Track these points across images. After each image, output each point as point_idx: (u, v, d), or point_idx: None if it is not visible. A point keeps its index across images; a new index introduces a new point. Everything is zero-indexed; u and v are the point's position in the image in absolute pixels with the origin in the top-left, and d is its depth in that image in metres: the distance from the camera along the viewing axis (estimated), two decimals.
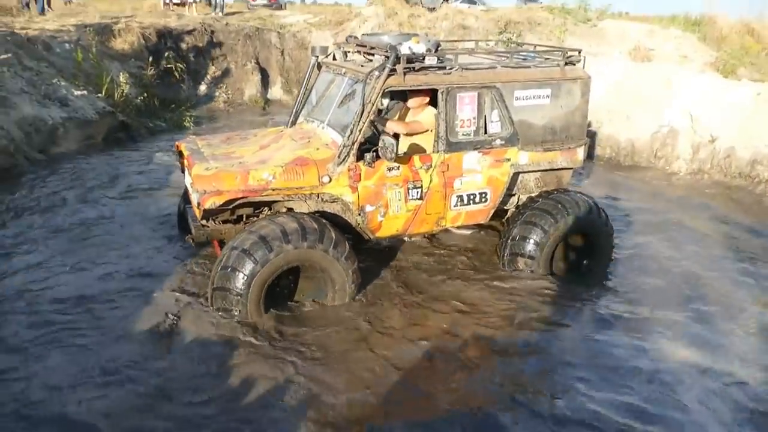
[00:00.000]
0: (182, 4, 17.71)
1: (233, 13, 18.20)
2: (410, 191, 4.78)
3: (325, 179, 4.50)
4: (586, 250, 5.53)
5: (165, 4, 17.85)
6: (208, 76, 14.14)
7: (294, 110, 5.56)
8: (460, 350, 4.24)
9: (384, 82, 4.48)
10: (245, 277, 4.19)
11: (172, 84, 13.09)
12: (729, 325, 4.87)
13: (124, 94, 10.72)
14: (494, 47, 6.26)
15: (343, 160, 4.51)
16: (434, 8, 17.82)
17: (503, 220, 5.59)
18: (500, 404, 3.68)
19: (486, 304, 4.86)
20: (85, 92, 9.69)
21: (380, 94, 4.55)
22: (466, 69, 4.88)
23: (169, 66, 13.03)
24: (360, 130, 4.50)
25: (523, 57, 5.45)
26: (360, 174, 4.59)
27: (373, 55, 4.99)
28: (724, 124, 9.21)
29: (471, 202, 5.07)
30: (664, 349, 4.45)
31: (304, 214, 4.54)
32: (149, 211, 6.59)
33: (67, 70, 10.26)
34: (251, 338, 4.17)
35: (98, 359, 3.91)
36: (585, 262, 5.56)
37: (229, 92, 13.96)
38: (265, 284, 4.30)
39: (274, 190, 4.43)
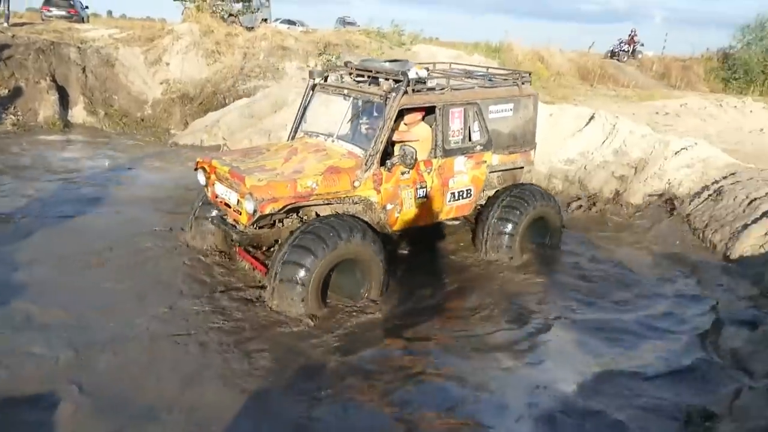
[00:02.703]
0: None
1: (23, 24, 15.72)
2: (418, 191, 5.68)
3: (357, 184, 5.22)
4: (544, 229, 6.59)
5: None
6: None
7: (293, 126, 6.26)
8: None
9: (400, 101, 5.25)
10: (308, 270, 4.70)
11: None
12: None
13: None
14: (465, 68, 7.38)
15: (369, 166, 5.24)
16: (252, 27, 17.49)
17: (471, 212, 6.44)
18: None
19: None
20: None
21: (396, 111, 5.26)
22: (455, 89, 5.86)
23: None
24: (382, 141, 5.26)
25: (489, 78, 6.57)
26: (381, 178, 5.35)
27: (375, 78, 5.74)
28: None
29: (460, 197, 6.07)
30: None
31: (348, 215, 5.17)
32: None
33: None
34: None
35: None
36: (546, 240, 6.63)
37: (19, 113, 12.26)
38: (322, 278, 4.83)
39: (317, 195, 5.05)
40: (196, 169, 5.67)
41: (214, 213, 5.78)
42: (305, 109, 6.23)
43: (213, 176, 5.45)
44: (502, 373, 4.39)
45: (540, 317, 5.29)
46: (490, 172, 6.24)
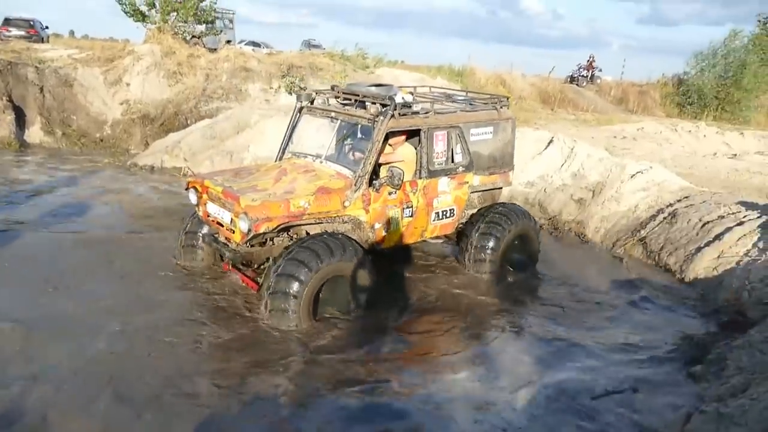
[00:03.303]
0: None
1: None
2: (404, 210, 5.88)
3: (347, 203, 5.41)
4: (524, 247, 6.78)
5: None
6: None
7: (281, 147, 6.38)
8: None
9: (387, 125, 5.44)
10: (301, 283, 4.87)
11: None
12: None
13: None
14: (445, 92, 7.59)
15: (359, 187, 5.44)
16: (215, 49, 17.41)
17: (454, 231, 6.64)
18: None
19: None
20: None
21: (384, 134, 5.48)
22: (438, 113, 6.02)
23: None
24: (371, 163, 5.47)
25: (470, 102, 6.77)
26: (370, 198, 5.54)
27: (362, 102, 5.87)
28: None
29: (444, 216, 6.27)
30: None
31: (338, 233, 5.33)
32: None
33: None
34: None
35: None
36: (525, 256, 6.81)
37: None
38: (314, 292, 4.99)
39: (309, 214, 5.23)
40: (187, 189, 5.75)
41: (205, 231, 5.98)
42: (293, 130, 6.40)
43: (205, 196, 5.57)
44: (454, 389, 4.42)
45: (499, 334, 5.40)
46: (471, 192, 6.49)
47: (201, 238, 6.05)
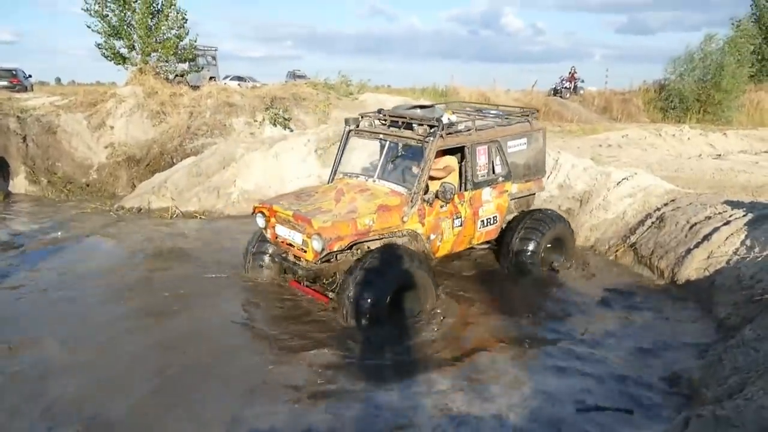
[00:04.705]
0: None
1: None
2: (455, 221, 6.36)
3: (405, 219, 5.90)
4: (559, 248, 7.28)
5: None
6: None
7: (333, 169, 6.90)
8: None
9: (437, 144, 5.94)
10: (382, 289, 5.38)
11: None
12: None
13: None
14: (479, 107, 8.47)
15: (415, 203, 5.93)
16: (199, 86, 17.51)
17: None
18: None
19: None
20: None
21: (435, 153, 5.97)
22: (479, 130, 6.52)
23: None
24: (424, 180, 5.95)
25: (505, 116, 7.32)
26: (425, 212, 6.03)
27: (409, 124, 6.35)
28: None
29: (489, 224, 6.81)
30: None
31: (402, 246, 5.81)
32: None
33: None
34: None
35: None
36: (561, 257, 7.31)
37: None
38: (389, 297, 5.45)
39: (374, 231, 5.71)
40: (253, 213, 6.30)
41: (270, 250, 6.53)
42: (342, 152, 6.91)
43: (273, 219, 6.06)
44: (440, 398, 4.45)
45: (492, 345, 5.43)
46: (510, 200, 7.02)
47: (267, 257, 6.59)
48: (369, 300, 5.34)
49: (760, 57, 31.59)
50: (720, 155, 16.00)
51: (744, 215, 6.94)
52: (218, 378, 4.75)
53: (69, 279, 7.04)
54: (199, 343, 5.37)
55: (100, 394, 4.51)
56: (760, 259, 6.02)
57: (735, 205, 7.39)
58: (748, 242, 6.41)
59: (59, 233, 9.22)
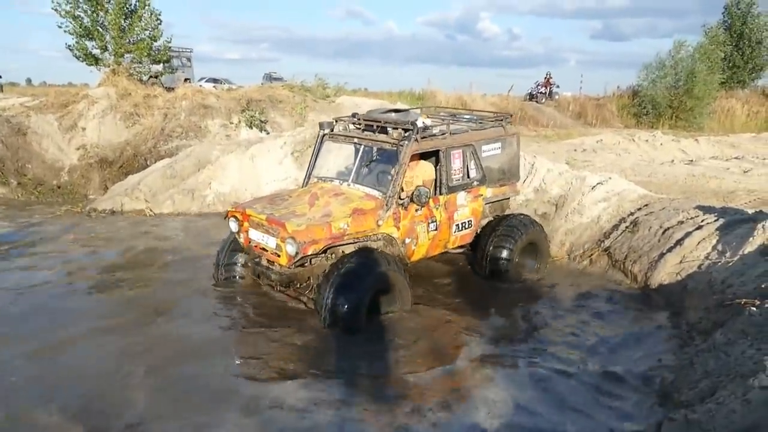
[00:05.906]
0: None
1: None
2: (429, 225, 6.36)
3: (380, 222, 5.86)
4: (534, 253, 7.29)
5: None
6: None
7: (307, 173, 6.88)
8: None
9: (412, 148, 5.93)
10: (360, 293, 5.37)
11: None
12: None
13: None
14: (454, 111, 8.59)
15: (390, 206, 5.90)
16: (173, 88, 17.31)
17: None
18: None
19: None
20: None
21: (409, 157, 5.95)
22: (454, 134, 6.54)
23: None
24: (399, 184, 5.93)
25: (479, 121, 7.46)
26: (400, 216, 6.02)
27: (383, 128, 6.35)
28: None
29: (464, 228, 6.82)
30: None
31: (377, 250, 5.79)
32: None
33: None
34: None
35: None
36: (536, 262, 7.33)
37: None
38: (367, 300, 5.44)
39: (349, 235, 5.66)
40: (226, 218, 6.20)
41: (242, 261, 6.48)
42: (317, 156, 6.87)
43: (246, 223, 5.98)
44: (415, 404, 4.38)
45: (467, 350, 5.44)
46: (485, 204, 7.04)
47: (239, 267, 6.51)
48: (348, 304, 5.33)
49: (731, 64, 32.29)
50: (692, 161, 16.26)
51: (715, 220, 7.04)
52: (182, 386, 4.64)
53: (35, 282, 6.87)
54: (164, 348, 5.26)
55: (56, 399, 4.39)
56: (731, 263, 6.10)
57: (707, 210, 7.49)
58: (719, 247, 6.50)
59: (28, 236, 9.01)
